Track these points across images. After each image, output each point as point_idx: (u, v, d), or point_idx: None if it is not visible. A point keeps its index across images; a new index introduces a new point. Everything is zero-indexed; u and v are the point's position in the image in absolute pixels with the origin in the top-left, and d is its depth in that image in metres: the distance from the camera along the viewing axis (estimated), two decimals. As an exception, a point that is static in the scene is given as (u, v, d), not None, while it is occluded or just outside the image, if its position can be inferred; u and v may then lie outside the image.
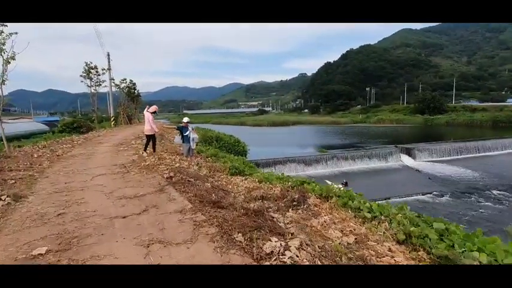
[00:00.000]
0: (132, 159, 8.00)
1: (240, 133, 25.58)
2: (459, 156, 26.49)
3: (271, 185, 7.20)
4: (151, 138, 9.70)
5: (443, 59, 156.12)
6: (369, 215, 5.28)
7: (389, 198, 16.92)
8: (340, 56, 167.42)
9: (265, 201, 6.14)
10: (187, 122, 10.11)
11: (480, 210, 15.10)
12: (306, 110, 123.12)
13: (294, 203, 5.97)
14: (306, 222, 4.93)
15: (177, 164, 6.58)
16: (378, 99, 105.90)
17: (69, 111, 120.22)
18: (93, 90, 24.58)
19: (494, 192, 17.53)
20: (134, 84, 34.83)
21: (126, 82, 32.99)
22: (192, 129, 10.16)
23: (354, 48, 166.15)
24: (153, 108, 10.03)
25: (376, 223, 5.07)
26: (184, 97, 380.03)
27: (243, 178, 8.15)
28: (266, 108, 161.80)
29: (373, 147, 29.41)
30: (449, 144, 28.25)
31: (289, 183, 7.32)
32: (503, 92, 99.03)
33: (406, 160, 26.08)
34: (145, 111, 10.19)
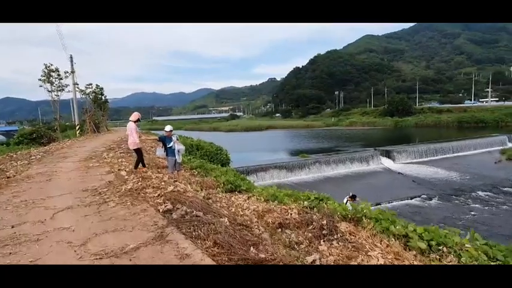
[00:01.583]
0: (108, 181, 6.22)
1: (216, 139, 24.16)
2: (436, 157, 26.95)
3: (284, 206, 5.95)
4: (138, 152, 8.23)
5: (404, 64, 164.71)
6: (423, 245, 4.20)
7: (379, 204, 16.38)
8: (308, 60, 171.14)
9: (286, 231, 4.94)
10: (171, 131, 8.60)
11: (472, 213, 14.89)
12: (278, 115, 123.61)
13: (324, 231, 4.80)
14: (353, 261, 3.75)
15: (171, 187, 5.04)
16: (346, 103, 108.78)
17: (29, 120, 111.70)
18: (54, 96, 21.75)
19: (480, 193, 17.58)
20: (101, 89, 31.98)
21: (92, 87, 30.15)
22: (177, 140, 8.65)
23: (321, 53, 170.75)
24: (135, 115, 8.43)
25: (437, 257, 4.00)
26: (153, 103, 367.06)
27: (245, 197, 6.85)
28: (238, 113, 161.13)
29: (353, 151, 29.24)
30: (425, 145, 28.73)
31: (306, 202, 6.13)
32: (460, 94, 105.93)
33: (387, 163, 26.03)
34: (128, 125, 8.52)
